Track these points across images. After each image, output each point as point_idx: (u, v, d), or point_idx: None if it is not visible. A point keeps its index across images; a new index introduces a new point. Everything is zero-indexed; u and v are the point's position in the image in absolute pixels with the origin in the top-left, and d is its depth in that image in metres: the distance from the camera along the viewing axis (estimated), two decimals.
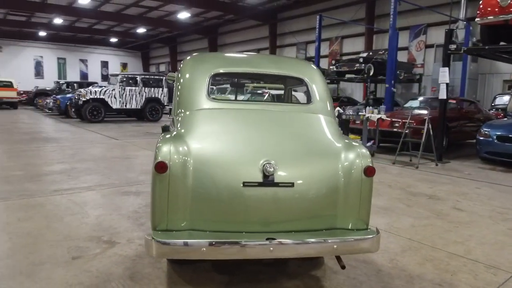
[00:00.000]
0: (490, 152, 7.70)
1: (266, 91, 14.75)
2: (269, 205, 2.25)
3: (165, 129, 2.69)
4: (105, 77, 34.25)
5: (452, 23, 15.16)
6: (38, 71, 34.87)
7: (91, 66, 37.62)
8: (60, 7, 23.55)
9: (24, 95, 26.33)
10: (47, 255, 3.09)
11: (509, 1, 6.22)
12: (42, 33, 31.24)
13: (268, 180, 2.23)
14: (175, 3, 21.93)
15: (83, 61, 37.39)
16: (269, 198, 2.24)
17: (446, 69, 7.76)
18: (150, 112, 16.57)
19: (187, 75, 2.78)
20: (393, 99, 15.01)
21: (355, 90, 21.11)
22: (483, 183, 6.18)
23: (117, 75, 16.30)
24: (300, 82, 2.94)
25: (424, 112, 8.37)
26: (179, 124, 2.55)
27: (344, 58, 19.90)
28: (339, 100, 16.31)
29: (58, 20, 27.00)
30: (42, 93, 23.91)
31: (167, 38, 33.07)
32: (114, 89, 15.46)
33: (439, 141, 7.91)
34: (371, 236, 2.28)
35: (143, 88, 16.08)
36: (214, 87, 15.68)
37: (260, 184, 2.23)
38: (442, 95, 7.85)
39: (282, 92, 15.95)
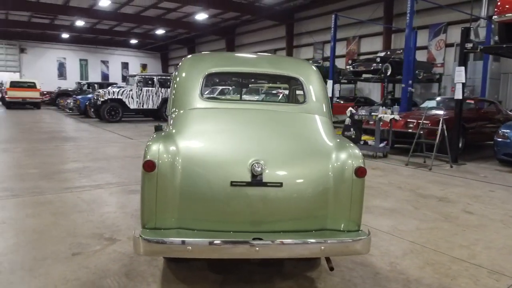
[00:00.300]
0: (508, 154, 7.44)
1: (281, 91, 14.74)
2: (257, 205, 2.24)
3: (158, 129, 2.72)
4: (125, 78, 34.91)
5: (473, 21, 14.75)
6: (61, 72, 35.83)
7: (112, 67, 38.39)
8: (82, 10, 24.14)
9: (47, 95, 27.10)
10: (49, 251, 3.17)
11: None
12: (65, 35, 32.11)
13: (256, 180, 2.22)
14: (192, 5, 22.13)
15: (104, 62, 38.19)
16: (257, 198, 2.23)
17: (462, 68, 7.55)
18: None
19: (182, 75, 2.80)
20: (410, 99, 14.76)
21: (373, 90, 20.80)
22: (498, 186, 5.98)
23: (134, 76, 16.59)
24: (295, 81, 2.91)
25: (440, 112, 8.17)
26: (171, 123, 2.57)
27: (362, 58, 19.64)
28: (354, 100, 16.10)
29: (80, 23, 27.67)
30: (64, 94, 24.55)
31: (186, 39, 33.42)
32: (131, 90, 15.74)
33: (454, 142, 7.70)
34: (360, 238, 2.24)
35: (160, 88, 16.30)
36: (219, 87, 15.77)
37: (248, 184, 2.22)
38: (458, 95, 7.64)
39: (299, 92, 15.97)
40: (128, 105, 15.69)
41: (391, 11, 19.16)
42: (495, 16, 6.59)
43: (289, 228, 2.30)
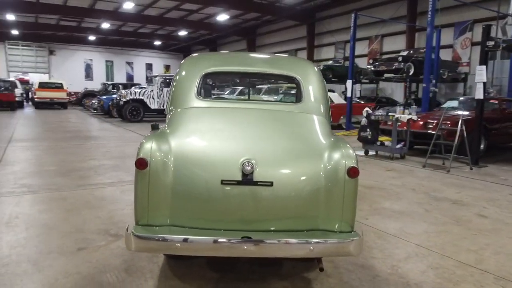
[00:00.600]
0: None
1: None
2: (247, 204, 2.24)
3: (154, 127, 2.77)
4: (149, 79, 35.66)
5: (500, 19, 14.20)
6: (88, 73, 36.93)
7: (137, 68, 39.24)
8: (107, 12, 24.80)
9: (73, 95, 27.98)
10: (55, 245, 3.27)
11: None
12: (92, 37, 33.09)
13: (246, 179, 2.23)
14: (214, 6, 22.35)
15: (129, 63, 39.09)
16: (247, 197, 2.24)
17: (483, 67, 7.29)
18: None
19: (181, 75, 2.84)
20: (434, 99, 14.38)
21: (396, 90, 20.38)
22: None
23: (155, 76, 16.89)
24: (293, 81, 2.89)
25: (462, 113, 7.92)
26: (167, 122, 2.61)
27: (384, 57, 19.27)
28: (375, 100, 15.81)
29: (105, 25, 28.43)
30: (90, 94, 25.28)
31: (208, 40, 33.78)
32: (152, 90, 16.03)
33: (475, 144, 7.44)
34: (351, 239, 2.20)
35: None
36: (226, 87, 15.77)
37: (238, 183, 2.23)
38: (479, 94, 7.38)
39: None
40: (149, 105, 15.98)
41: (414, 9, 18.71)
42: None
43: (280, 228, 2.29)
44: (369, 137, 8.23)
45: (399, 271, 2.94)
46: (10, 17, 25.11)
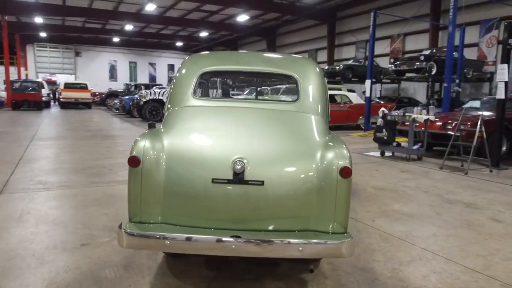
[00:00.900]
0: None
1: None
2: (238, 203, 2.23)
3: (151, 126, 2.79)
4: (170, 79, 36.18)
5: None
6: (112, 74, 37.86)
7: (159, 69, 39.93)
8: (130, 14, 25.35)
9: (98, 96, 28.72)
10: (61, 241, 3.36)
11: None
12: (116, 39, 33.90)
13: (237, 178, 2.22)
14: (234, 6, 22.47)
15: (152, 64, 39.83)
16: (238, 196, 2.23)
17: (505, 66, 7.01)
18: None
19: (179, 74, 2.87)
20: (457, 99, 13.96)
21: (418, 90, 19.89)
22: None
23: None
24: (290, 79, 2.86)
25: (483, 113, 7.65)
26: (164, 120, 2.64)
27: (406, 56, 18.85)
28: (395, 100, 15.47)
29: (129, 27, 29.06)
30: (113, 94, 25.89)
31: (228, 41, 33.98)
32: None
33: (495, 145, 7.17)
34: (342, 240, 2.15)
35: None
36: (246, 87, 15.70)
37: (229, 181, 2.22)
38: (500, 94, 7.11)
39: (336, 92, 15.52)
40: None
41: (438, 7, 18.22)
42: None
43: (272, 228, 2.27)
44: (385, 137, 8.07)
45: (399, 274, 2.86)
46: (39, 20, 26.04)
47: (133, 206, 2.31)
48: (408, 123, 8.06)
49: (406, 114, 7.95)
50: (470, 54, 16.40)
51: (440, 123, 8.07)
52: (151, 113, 16.14)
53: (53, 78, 34.08)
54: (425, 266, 3.02)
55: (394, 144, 8.16)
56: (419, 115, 7.64)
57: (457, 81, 14.86)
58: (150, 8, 23.51)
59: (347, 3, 22.31)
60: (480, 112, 7.84)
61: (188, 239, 2.08)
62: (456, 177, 6.42)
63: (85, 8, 24.05)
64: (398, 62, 16.46)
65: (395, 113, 8.14)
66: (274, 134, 2.49)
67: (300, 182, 2.25)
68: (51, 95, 27.77)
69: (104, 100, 26.63)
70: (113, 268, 2.86)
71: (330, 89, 16.43)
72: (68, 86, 24.40)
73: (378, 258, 3.14)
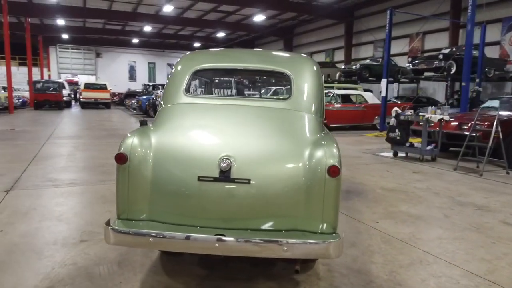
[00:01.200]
0: None
1: (331, 91, 14.39)
2: (224, 201, 2.20)
3: (143, 123, 2.80)
4: None
5: None
6: (132, 75, 38.52)
7: None
8: (149, 16, 25.74)
9: (117, 96, 29.27)
10: (62, 237, 3.41)
11: None
12: (135, 40, 34.48)
13: (223, 176, 2.19)
14: (250, 7, 22.48)
15: (170, 65, 40.21)
16: (224, 194, 2.20)
17: None
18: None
19: (173, 72, 2.87)
20: (477, 99, 13.55)
21: (438, 90, 19.42)
22: None
23: None
24: (283, 76, 2.81)
25: (503, 113, 7.39)
26: (155, 118, 2.64)
27: (425, 55, 18.42)
28: (413, 100, 15.11)
29: (147, 28, 29.51)
30: (131, 95, 26.32)
31: (245, 41, 34.03)
32: None
33: None
34: (328, 241, 2.09)
35: None
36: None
37: (215, 179, 2.20)
38: None
39: (351, 92, 15.33)
40: None
41: (458, 4, 17.72)
42: None
43: (258, 227, 2.23)
44: (398, 138, 7.89)
45: (397, 277, 2.78)
46: (61, 22, 26.74)
47: (120, 203, 2.32)
48: (422, 123, 7.86)
49: (420, 114, 7.75)
50: (492, 52, 15.89)
51: (456, 123, 7.84)
52: None
53: (75, 79, 34.92)
54: (425, 269, 2.92)
55: (407, 144, 7.97)
56: (433, 115, 7.44)
57: (477, 80, 14.44)
58: (168, 9, 23.79)
59: (365, 2, 21.99)
60: (498, 112, 7.57)
61: (170, 237, 2.07)
62: (470, 179, 6.21)
63: (105, 10, 24.55)
64: (416, 61, 16.10)
65: (408, 112, 7.94)
66: (263, 132, 2.45)
67: (287, 181, 2.21)
68: (72, 95, 28.46)
69: (122, 100, 27.11)
70: (107, 265, 2.88)
71: (345, 88, 16.28)
72: (88, 86, 24.94)
73: (377, 260, 3.06)
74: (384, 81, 13.28)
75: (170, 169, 2.26)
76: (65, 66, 35.68)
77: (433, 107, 7.80)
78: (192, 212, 2.25)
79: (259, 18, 25.50)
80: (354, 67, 19.08)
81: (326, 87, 16.24)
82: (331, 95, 13.82)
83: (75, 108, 25.46)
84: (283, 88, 12.50)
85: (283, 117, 2.56)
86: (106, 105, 25.57)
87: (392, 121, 8.05)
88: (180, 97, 2.67)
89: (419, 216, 4.23)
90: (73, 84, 32.58)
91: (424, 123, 7.53)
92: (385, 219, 4.09)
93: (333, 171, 2.16)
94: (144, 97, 20.54)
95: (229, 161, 2.20)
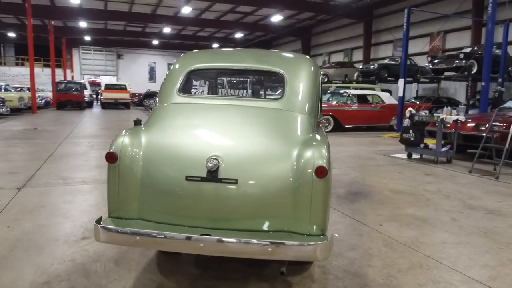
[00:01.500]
0: None
1: (347, 91, 14.23)
2: (211, 201, 2.20)
3: (137, 123, 2.83)
4: None
5: None
6: (151, 76, 39.13)
7: None
8: (168, 17, 26.11)
9: (137, 96, 29.80)
10: (64, 233, 3.49)
11: None
12: (155, 42, 35.03)
13: (211, 176, 2.19)
14: (268, 7, 22.48)
15: None
16: (211, 194, 2.20)
17: None
18: None
19: (169, 72, 2.89)
20: (499, 99, 13.12)
21: (459, 90, 18.91)
22: None
23: None
24: (277, 76, 2.79)
25: None
26: (148, 117, 2.67)
27: (446, 54, 17.96)
28: (432, 101, 14.76)
29: (166, 29, 29.92)
30: (150, 95, 26.72)
31: (263, 41, 34.06)
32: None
33: None
34: (314, 243, 2.06)
35: None
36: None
37: (202, 179, 2.20)
38: None
39: (367, 92, 15.10)
40: None
41: (481, 2, 17.20)
42: None
43: (245, 227, 2.22)
44: (412, 139, 7.72)
45: (393, 282, 2.71)
46: (83, 24, 27.43)
47: (111, 202, 2.35)
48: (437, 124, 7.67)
49: (435, 114, 7.56)
50: None
51: (473, 124, 7.61)
52: None
53: (97, 80, 35.78)
54: (424, 274, 2.84)
55: (422, 145, 7.79)
56: (448, 116, 7.24)
57: (500, 80, 13.98)
58: (186, 10, 24.03)
59: (384, 1, 21.63)
60: None
61: (156, 236, 2.09)
62: (485, 182, 6.01)
63: (125, 12, 25.05)
64: (436, 61, 15.72)
65: (423, 113, 7.75)
66: (252, 132, 2.43)
67: (275, 181, 2.19)
68: (94, 96, 29.14)
69: (142, 101, 27.58)
70: (104, 262, 2.92)
71: (362, 88, 16.04)
72: (109, 87, 25.50)
73: (375, 263, 2.99)
74: (401, 81, 13.03)
75: (159, 169, 2.28)
76: (88, 67, 36.59)
77: (449, 108, 7.59)
78: (180, 212, 2.26)
79: (276, 18, 25.45)
80: (372, 67, 18.80)
81: (343, 87, 16.06)
82: (347, 95, 13.65)
83: (96, 108, 26.05)
84: (278, 87, 12.45)
85: (275, 117, 2.53)
86: (125, 105, 26.06)
87: (406, 121, 7.88)
88: (173, 96, 2.69)
89: (425, 219, 4.12)
90: (95, 84, 33.38)
91: (439, 124, 7.34)
92: (389, 222, 4.01)
93: (321, 171, 2.12)
94: None
95: (216, 161, 2.19)
